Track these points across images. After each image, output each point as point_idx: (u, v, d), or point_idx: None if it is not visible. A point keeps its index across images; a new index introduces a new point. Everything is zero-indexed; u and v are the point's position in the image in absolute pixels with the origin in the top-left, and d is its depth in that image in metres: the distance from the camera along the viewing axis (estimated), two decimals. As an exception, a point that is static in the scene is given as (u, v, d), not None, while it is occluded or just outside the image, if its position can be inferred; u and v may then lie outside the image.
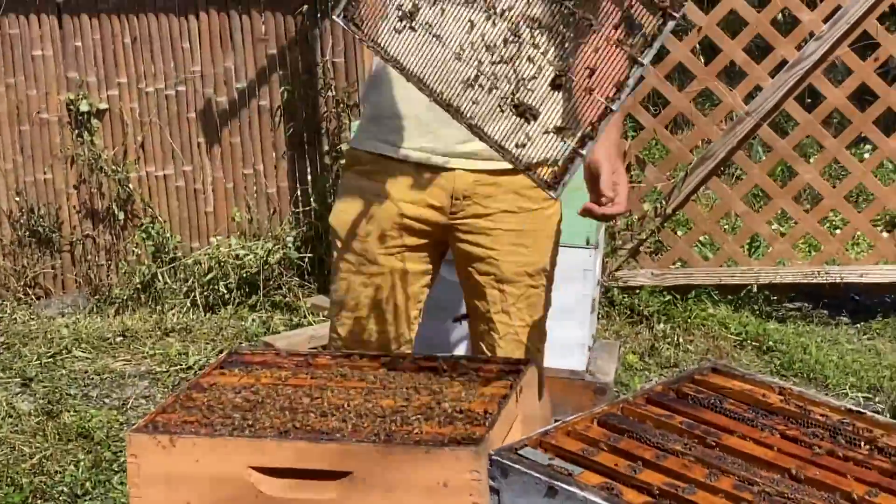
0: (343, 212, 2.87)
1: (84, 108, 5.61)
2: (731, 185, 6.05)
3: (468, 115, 2.29)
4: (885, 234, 5.69)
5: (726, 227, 6.24)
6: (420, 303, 2.94)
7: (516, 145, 2.24)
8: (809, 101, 5.94)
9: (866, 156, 6.15)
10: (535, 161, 2.24)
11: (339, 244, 2.89)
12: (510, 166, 2.76)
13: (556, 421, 2.23)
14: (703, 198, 6.45)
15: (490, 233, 2.85)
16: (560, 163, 2.15)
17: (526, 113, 2.19)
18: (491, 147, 2.28)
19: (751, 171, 5.57)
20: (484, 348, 2.96)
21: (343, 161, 2.94)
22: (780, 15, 5.48)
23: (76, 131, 5.67)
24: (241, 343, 5.16)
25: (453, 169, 2.80)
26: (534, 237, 2.90)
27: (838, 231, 5.87)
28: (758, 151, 6.81)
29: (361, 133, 2.89)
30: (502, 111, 2.24)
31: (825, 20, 5.30)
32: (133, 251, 5.74)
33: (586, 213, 2.68)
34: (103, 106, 5.65)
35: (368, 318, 2.88)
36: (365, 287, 2.87)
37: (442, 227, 2.86)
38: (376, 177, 2.82)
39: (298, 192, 5.68)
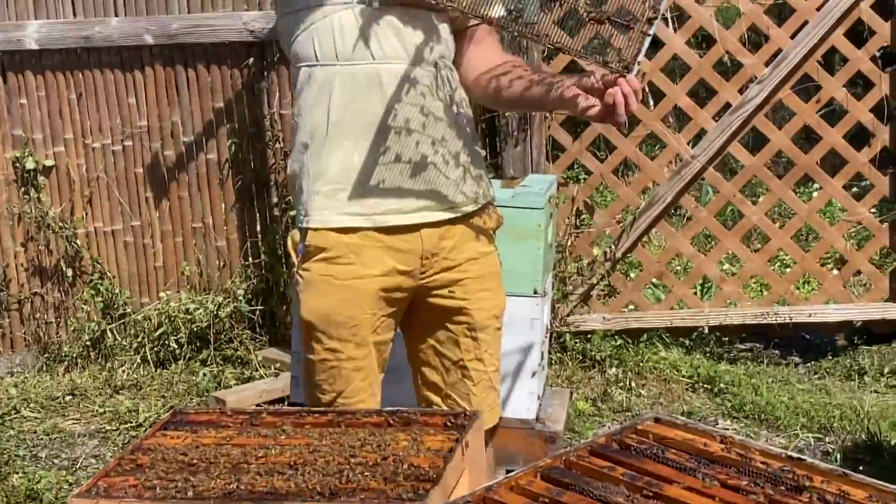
0: (319, 305, 2.81)
1: (30, 165, 5.58)
2: (680, 227, 6.09)
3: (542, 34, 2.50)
4: (834, 273, 5.75)
5: (678, 268, 6.29)
6: (387, 364, 2.97)
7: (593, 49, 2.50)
8: (755, 143, 6.00)
9: (815, 194, 6.21)
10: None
11: (321, 338, 2.83)
12: (466, 211, 2.86)
13: (507, 472, 2.23)
14: (653, 240, 6.49)
15: (460, 284, 2.89)
16: (633, 44, 2.45)
17: (602, 19, 2.50)
18: (573, 55, 2.52)
19: (698, 214, 5.61)
20: (456, 398, 2.95)
21: (299, 243, 2.88)
22: (725, 57, 5.53)
23: (22, 189, 5.63)
24: (191, 399, 5.12)
25: (418, 228, 2.81)
26: (494, 280, 2.96)
27: (789, 269, 5.91)
28: (707, 192, 6.86)
29: (318, 212, 2.80)
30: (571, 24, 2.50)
31: (767, 63, 5.37)
32: (82, 308, 5.70)
33: (615, 111, 2.54)
34: (49, 163, 5.62)
35: (363, 401, 2.87)
36: (358, 371, 2.85)
37: (414, 289, 2.87)
38: (344, 259, 2.79)
39: (248, 245, 5.66)
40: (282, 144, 5.52)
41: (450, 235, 2.85)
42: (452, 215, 2.85)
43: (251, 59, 5.49)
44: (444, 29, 2.84)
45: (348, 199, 2.76)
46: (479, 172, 2.91)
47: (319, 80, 2.77)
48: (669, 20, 5.56)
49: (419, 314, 2.94)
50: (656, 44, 5.60)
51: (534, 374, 4.18)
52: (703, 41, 5.86)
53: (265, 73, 5.51)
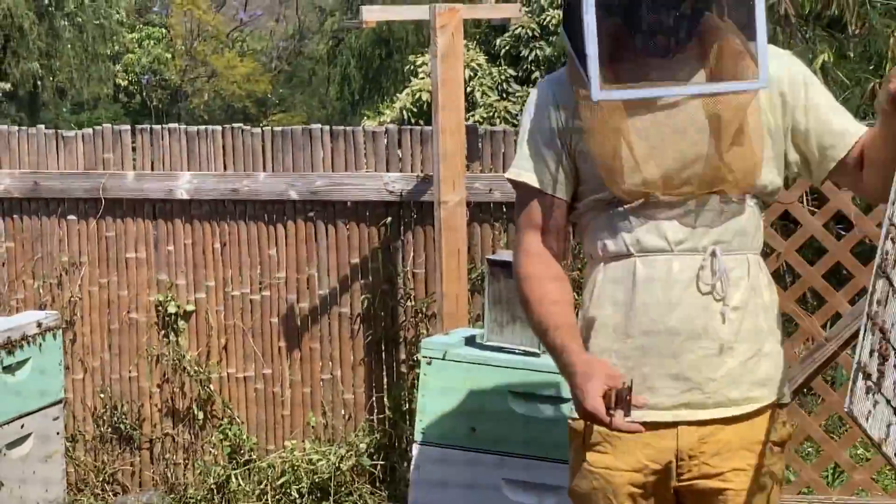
0: (579, 486, 2.72)
1: (172, 309, 5.78)
2: (813, 410, 5.94)
3: None
4: (970, 469, 5.53)
5: (810, 450, 6.11)
6: None
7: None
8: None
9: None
10: None
11: None
12: (738, 413, 2.65)
13: None
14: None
15: (722, 494, 2.66)
16: None
17: None
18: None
19: (830, 398, 5.48)
20: None
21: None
22: (866, 241, 5.44)
23: (163, 332, 5.83)
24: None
25: (675, 425, 2.65)
26: (766, 498, 2.69)
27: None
28: (842, 376, 6.69)
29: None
30: None
31: (906, 250, 5.27)
32: (210, 451, 5.82)
33: None
34: (190, 308, 5.82)
35: None
36: None
37: (665, 491, 2.69)
38: (600, 448, 2.68)
39: (374, 399, 5.73)
40: (413, 303, 5.62)
41: (714, 440, 2.64)
42: (717, 416, 2.63)
43: (389, 219, 5.63)
44: (748, 208, 2.68)
45: None
46: (765, 371, 2.68)
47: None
48: (806, 201, 5.53)
49: None
50: (793, 223, 5.56)
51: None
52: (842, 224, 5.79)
53: (401, 233, 5.64)
